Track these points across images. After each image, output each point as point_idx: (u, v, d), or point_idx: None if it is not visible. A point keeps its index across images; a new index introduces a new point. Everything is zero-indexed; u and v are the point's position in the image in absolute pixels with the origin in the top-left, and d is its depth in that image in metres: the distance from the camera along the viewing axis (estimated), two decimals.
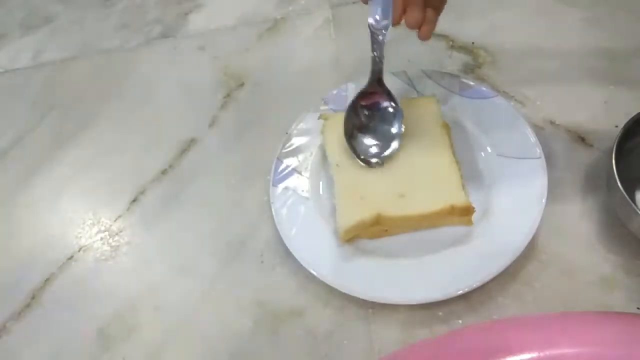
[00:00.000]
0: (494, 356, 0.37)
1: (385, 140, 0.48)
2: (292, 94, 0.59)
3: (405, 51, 0.59)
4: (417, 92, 0.54)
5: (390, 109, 0.49)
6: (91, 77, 0.65)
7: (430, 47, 0.59)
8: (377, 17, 0.45)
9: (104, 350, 0.46)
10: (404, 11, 0.43)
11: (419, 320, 0.43)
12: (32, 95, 0.65)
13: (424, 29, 0.44)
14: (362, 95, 0.49)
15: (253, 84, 0.61)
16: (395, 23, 0.44)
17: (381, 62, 0.47)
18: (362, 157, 0.48)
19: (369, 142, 0.49)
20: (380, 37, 0.46)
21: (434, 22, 0.44)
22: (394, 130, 0.48)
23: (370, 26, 0.46)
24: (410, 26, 0.43)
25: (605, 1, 0.60)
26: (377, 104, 0.49)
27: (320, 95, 0.55)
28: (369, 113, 0.49)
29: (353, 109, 0.49)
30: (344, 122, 0.49)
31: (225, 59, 0.63)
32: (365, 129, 0.49)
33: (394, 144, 0.48)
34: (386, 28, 0.45)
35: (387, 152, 0.48)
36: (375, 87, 0.48)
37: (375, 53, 0.47)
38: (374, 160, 0.48)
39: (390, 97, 0.48)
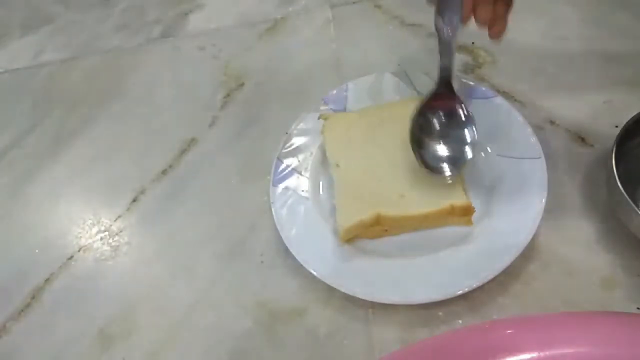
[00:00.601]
0: (494, 356, 0.37)
1: (457, 149, 0.45)
2: (292, 94, 0.59)
3: (406, 51, 0.59)
4: (417, 92, 0.53)
5: (462, 116, 0.45)
6: (91, 77, 0.65)
7: (430, 47, 0.59)
8: (446, 17, 0.43)
9: (104, 350, 0.46)
10: (473, 9, 0.42)
11: (419, 320, 0.43)
12: (32, 95, 0.65)
13: (496, 28, 0.42)
14: (430, 100, 0.46)
15: (253, 84, 0.61)
16: (465, 21, 0.42)
17: (451, 63, 0.44)
18: (432, 167, 0.45)
19: (441, 151, 0.45)
20: (449, 38, 0.43)
21: (504, 19, 0.42)
22: (468, 138, 0.45)
23: (436, 26, 0.43)
24: (481, 23, 0.42)
25: (605, 1, 0.60)
26: (447, 109, 0.46)
27: (320, 95, 0.55)
28: (439, 119, 0.46)
29: (421, 115, 0.45)
30: (410, 129, 0.45)
31: (225, 59, 0.63)
32: (436, 137, 0.45)
33: (468, 153, 0.45)
34: (456, 27, 0.43)
35: (460, 162, 0.45)
36: (444, 91, 0.45)
37: (443, 55, 0.44)
38: (447, 173, 0.45)
39: (460, 102, 0.45)
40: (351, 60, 0.60)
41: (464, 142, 0.45)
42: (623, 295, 0.43)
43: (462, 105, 0.46)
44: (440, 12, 0.43)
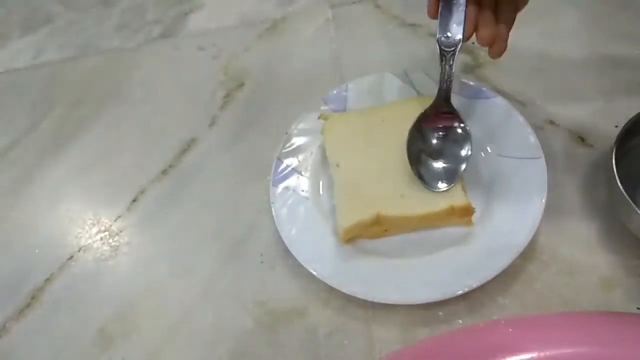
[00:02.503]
0: (494, 356, 0.37)
1: (454, 163, 0.46)
2: (292, 94, 0.59)
3: (405, 51, 0.59)
4: (417, 92, 0.53)
5: (460, 130, 0.46)
6: (91, 77, 0.65)
7: (430, 47, 0.59)
8: (449, 34, 0.44)
9: (104, 350, 0.46)
10: (476, 27, 0.42)
11: (419, 320, 0.43)
12: (32, 95, 0.65)
13: (496, 47, 0.43)
14: (427, 115, 0.46)
15: (253, 84, 0.61)
16: (467, 39, 0.43)
17: (450, 80, 0.45)
18: (427, 182, 0.45)
19: (437, 168, 0.46)
20: (451, 54, 0.44)
21: (505, 39, 0.43)
22: (463, 152, 0.46)
23: (439, 42, 0.44)
24: (483, 43, 0.42)
25: (605, 1, 0.60)
26: (445, 125, 0.46)
27: (320, 95, 0.55)
28: (437, 135, 0.46)
29: (418, 131, 0.46)
30: (407, 145, 0.46)
31: (225, 59, 0.63)
32: (434, 153, 0.46)
33: (462, 168, 0.45)
34: (457, 45, 0.44)
35: (455, 177, 0.45)
36: (442, 106, 0.46)
37: (443, 70, 0.45)
38: (442, 185, 0.45)
39: (458, 117, 0.46)
40: (351, 60, 0.60)
41: (458, 159, 0.46)
42: (623, 295, 0.43)
43: (460, 121, 0.46)
44: (442, 28, 0.44)
